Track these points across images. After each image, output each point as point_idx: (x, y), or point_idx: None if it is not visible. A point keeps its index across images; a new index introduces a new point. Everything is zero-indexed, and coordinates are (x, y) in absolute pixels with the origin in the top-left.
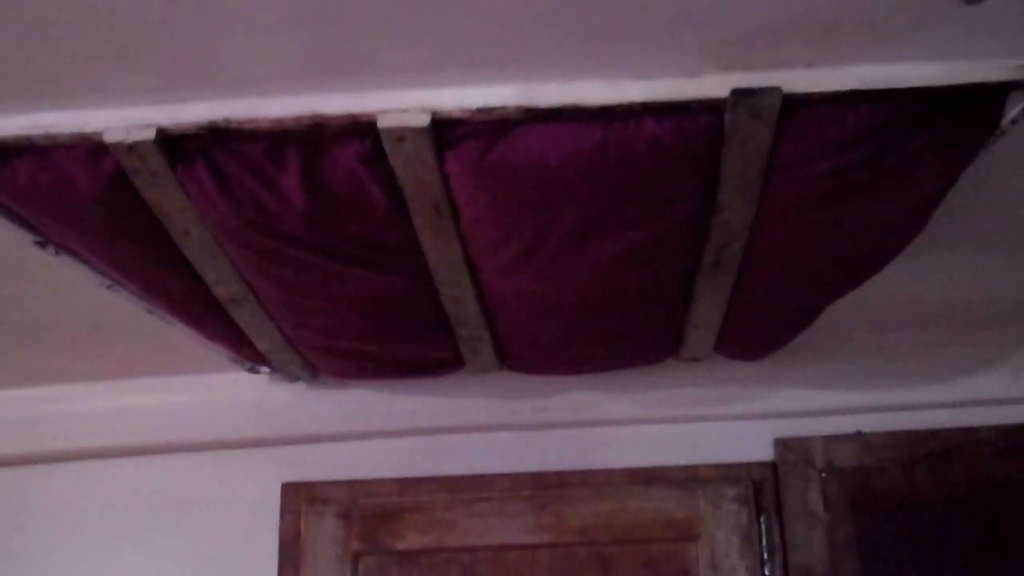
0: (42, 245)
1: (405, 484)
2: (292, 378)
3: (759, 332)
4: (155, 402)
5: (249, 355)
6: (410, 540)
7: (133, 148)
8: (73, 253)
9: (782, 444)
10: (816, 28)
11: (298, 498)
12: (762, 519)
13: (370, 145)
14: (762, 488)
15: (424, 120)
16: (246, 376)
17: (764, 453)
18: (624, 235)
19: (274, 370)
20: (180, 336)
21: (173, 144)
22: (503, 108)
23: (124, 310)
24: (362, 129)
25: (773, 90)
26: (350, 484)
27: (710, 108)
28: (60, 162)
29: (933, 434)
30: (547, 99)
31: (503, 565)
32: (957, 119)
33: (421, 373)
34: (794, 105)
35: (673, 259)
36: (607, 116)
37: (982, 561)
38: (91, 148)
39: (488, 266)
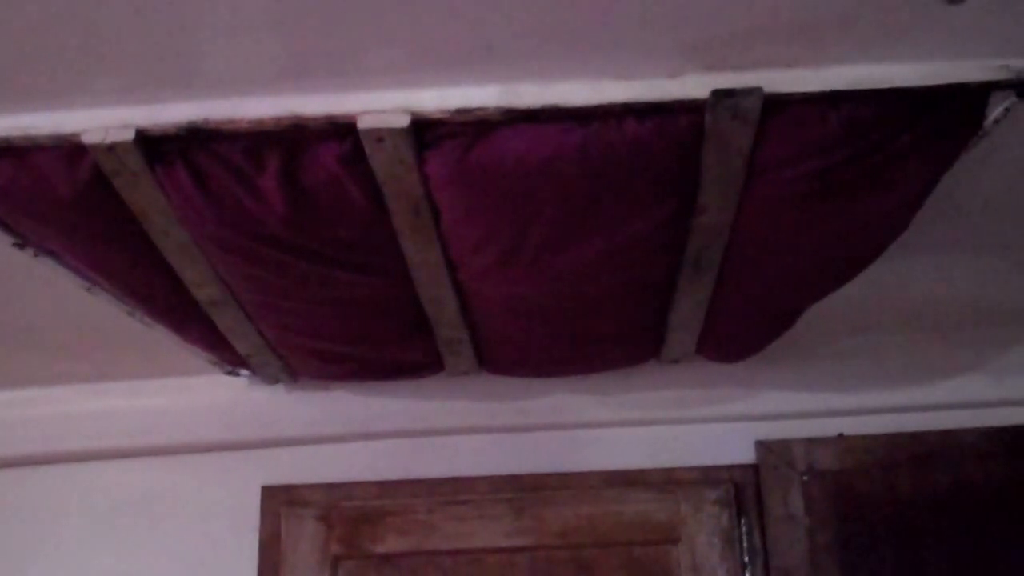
0: (21, 247)
1: (385, 487)
2: (272, 381)
3: (740, 334)
4: (134, 405)
5: (229, 358)
6: (390, 543)
7: (112, 149)
8: (52, 255)
9: (763, 447)
10: (798, 28)
11: (277, 501)
12: (743, 522)
13: (350, 146)
14: (743, 491)
15: (404, 121)
16: (225, 379)
17: (745, 455)
18: (604, 236)
19: (253, 373)
20: (159, 339)
21: (152, 145)
22: (483, 109)
23: (104, 312)
24: (342, 130)
25: (754, 90)
26: (330, 487)
27: (691, 109)
28: (39, 163)
29: (915, 437)
30: (528, 100)
31: (483, 568)
32: (939, 120)
33: (401, 375)
34: (775, 106)
35: (654, 260)
36: (588, 117)
37: (964, 564)
38: (70, 149)
39: (468, 268)
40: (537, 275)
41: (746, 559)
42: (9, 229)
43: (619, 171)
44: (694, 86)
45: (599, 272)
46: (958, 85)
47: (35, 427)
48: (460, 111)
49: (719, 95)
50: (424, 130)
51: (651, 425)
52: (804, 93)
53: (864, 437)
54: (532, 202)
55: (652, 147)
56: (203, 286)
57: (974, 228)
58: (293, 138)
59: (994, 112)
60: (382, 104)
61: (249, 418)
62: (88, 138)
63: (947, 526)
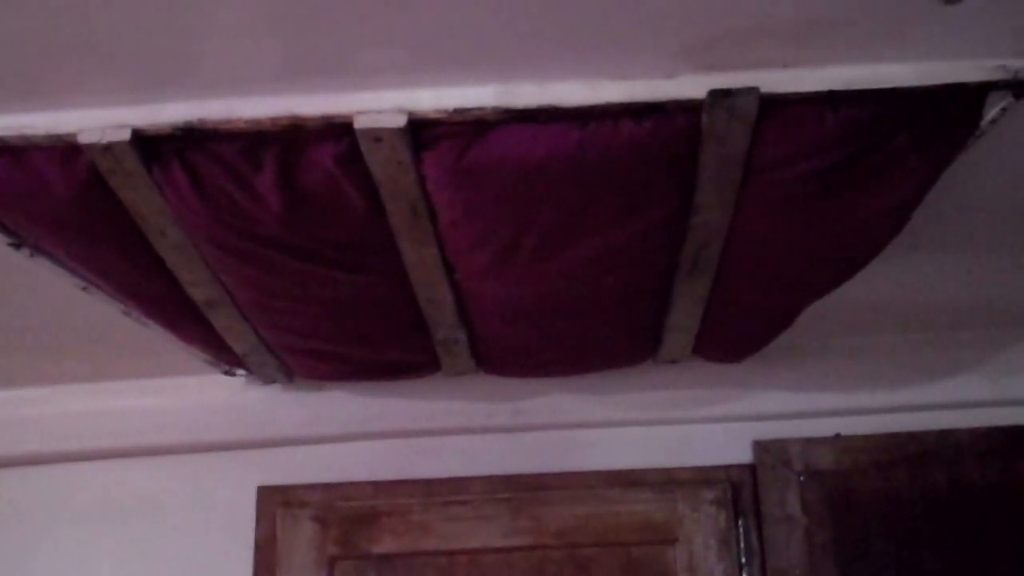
0: (17, 247)
1: (381, 487)
2: (268, 380)
3: (737, 334)
4: (130, 405)
5: (225, 358)
6: (386, 544)
7: (108, 149)
8: (48, 255)
9: (761, 447)
10: (794, 28)
11: (274, 501)
12: (740, 522)
13: (346, 146)
14: (740, 491)
15: (400, 121)
16: (222, 379)
17: (742, 456)
18: (601, 237)
19: (250, 372)
20: (156, 338)
21: (149, 145)
22: (480, 109)
23: (100, 312)
24: (338, 130)
25: (750, 90)
26: (326, 487)
27: (688, 109)
28: (35, 163)
29: (912, 436)
30: (525, 100)
31: (480, 568)
32: (936, 120)
33: (397, 375)
34: (772, 106)
35: (651, 261)
36: (585, 117)
37: (961, 564)
38: (66, 149)
39: (465, 268)
40: (534, 275)
41: (743, 559)
42: (5, 229)
43: (616, 171)
44: (691, 86)
45: (596, 272)
46: (955, 85)
47: (30, 427)
48: (457, 111)
49: (716, 95)
50: (421, 130)
51: (648, 425)
52: (801, 93)
53: (861, 437)
54: (529, 202)
55: (649, 147)
56: (199, 286)
57: (971, 228)
58: (290, 138)
59: (991, 112)
60: (379, 104)
61: (245, 418)
62: (84, 138)
63: (944, 526)
